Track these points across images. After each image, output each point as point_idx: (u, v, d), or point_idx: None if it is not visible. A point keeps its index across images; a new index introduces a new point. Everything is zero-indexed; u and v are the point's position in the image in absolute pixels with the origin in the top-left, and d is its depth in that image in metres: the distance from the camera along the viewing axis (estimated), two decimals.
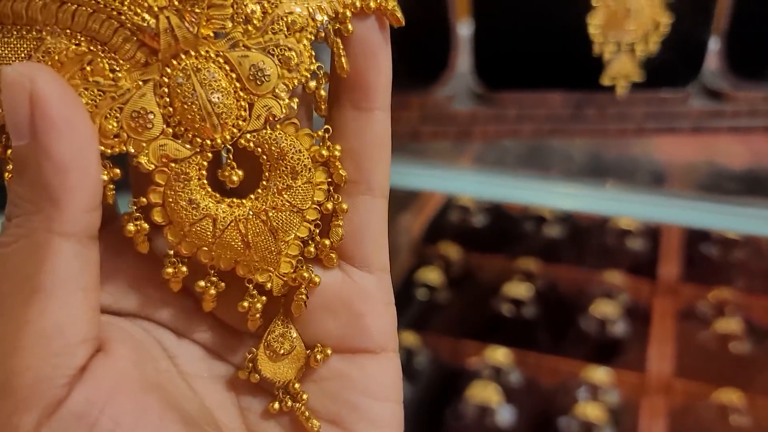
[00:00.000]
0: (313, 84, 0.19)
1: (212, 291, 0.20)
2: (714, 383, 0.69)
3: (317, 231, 0.20)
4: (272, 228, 0.19)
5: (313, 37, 0.18)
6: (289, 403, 0.20)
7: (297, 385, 0.20)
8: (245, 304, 0.20)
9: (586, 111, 0.59)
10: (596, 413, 0.64)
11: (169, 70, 0.18)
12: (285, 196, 0.19)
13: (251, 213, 0.19)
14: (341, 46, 0.18)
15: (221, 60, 0.18)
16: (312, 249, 0.20)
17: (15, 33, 0.17)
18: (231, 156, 0.19)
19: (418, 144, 0.61)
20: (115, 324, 0.20)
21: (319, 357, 0.20)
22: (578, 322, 0.78)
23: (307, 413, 0.20)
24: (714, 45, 0.59)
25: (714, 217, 0.48)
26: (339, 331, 0.21)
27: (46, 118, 0.15)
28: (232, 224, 0.19)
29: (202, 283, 0.20)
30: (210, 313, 0.21)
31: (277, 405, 0.20)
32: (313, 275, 0.20)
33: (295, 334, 0.20)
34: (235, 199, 0.19)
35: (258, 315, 0.20)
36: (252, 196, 0.19)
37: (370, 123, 0.19)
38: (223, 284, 0.20)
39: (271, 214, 0.19)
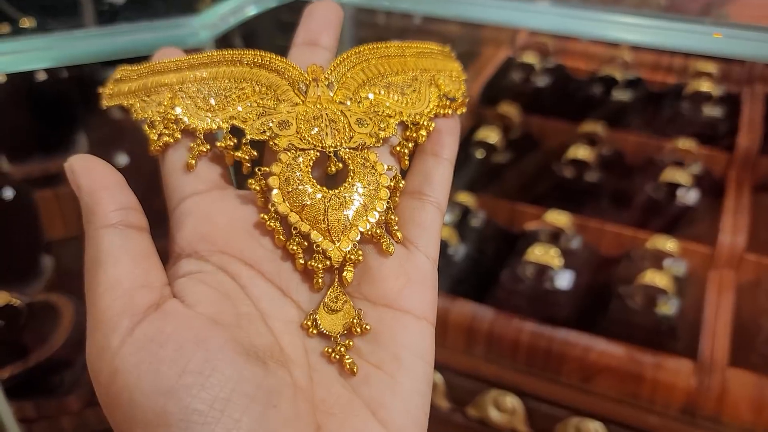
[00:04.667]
0: (398, 148, 0.29)
1: (298, 249, 0.26)
2: None
3: (383, 220, 0.28)
4: (345, 207, 0.26)
5: (397, 122, 0.29)
6: (341, 350, 0.26)
7: (348, 341, 0.26)
8: (312, 263, 0.26)
9: None
10: (660, 282, 0.61)
11: (308, 109, 0.28)
12: (359, 192, 0.27)
13: (334, 195, 0.27)
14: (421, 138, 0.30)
15: (341, 112, 0.28)
16: (377, 231, 0.27)
17: (227, 81, 0.29)
18: (333, 158, 0.28)
19: None
20: (201, 283, 0.25)
21: (359, 330, 0.26)
22: (645, 190, 0.73)
23: (348, 358, 0.26)
24: None
25: None
26: (396, 290, 0.27)
27: (80, 170, 0.25)
28: (320, 198, 0.26)
29: (292, 245, 0.26)
30: (291, 265, 0.27)
31: (329, 350, 0.26)
32: (390, 242, 0.27)
33: (345, 298, 0.27)
34: (325, 188, 0.27)
35: (321, 274, 0.26)
36: (337, 189, 0.27)
37: (442, 165, 0.29)
38: (305, 244, 0.26)
39: (347, 198, 0.27)
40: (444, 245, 0.64)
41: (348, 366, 0.25)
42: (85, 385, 0.60)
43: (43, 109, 0.77)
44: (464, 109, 0.31)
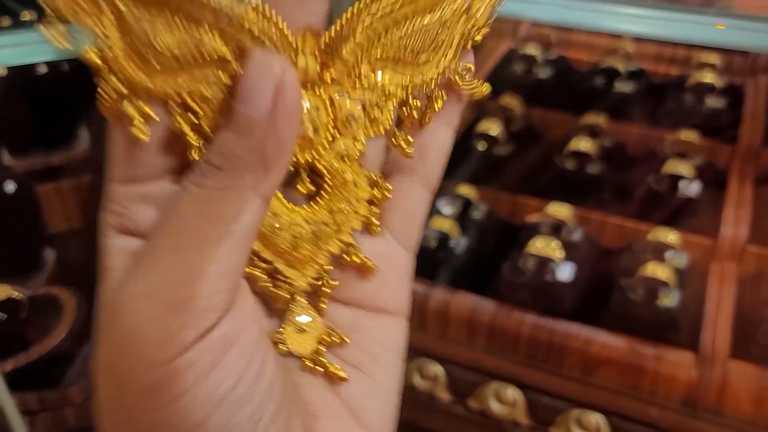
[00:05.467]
0: (394, 141, 0.24)
1: (258, 272, 0.24)
2: None
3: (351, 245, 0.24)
4: (316, 236, 0.24)
5: (397, 103, 0.24)
6: (317, 365, 0.24)
7: (321, 351, 0.24)
8: (277, 291, 0.24)
9: None
10: (662, 274, 0.60)
11: None
12: (334, 216, 0.24)
13: (304, 220, 0.24)
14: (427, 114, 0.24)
15: (328, 100, 0.23)
16: (346, 257, 0.24)
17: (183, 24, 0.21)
18: (307, 174, 0.23)
19: None
20: None
21: (337, 341, 0.24)
22: (647, 182, 0.73)
23: (334, 369, 0.24)
24: None
25: None
26: (371, 291, 0.25)
27: (288, 108, 0.20)
28: (287, 225, 0.23)
29: (256, 272, 0.23)
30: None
31: (309, 363, 0.24)
32: (372, 266, 0.24)
33: (313, 314, 0.24)
34: (295, 206, 0.24)
35: (285, 300, 0.24)
36: (306, 207, 0.24)
37: (441, 134, 0.24)
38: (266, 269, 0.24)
39: (319, 220, 0.24)
40: (445, 237, 0.64)
41: (336, 375, 0.24)
42: (88, 377, 0.60)
43: (44, 102, 0.77)
44: (484, 90, 0.24)
